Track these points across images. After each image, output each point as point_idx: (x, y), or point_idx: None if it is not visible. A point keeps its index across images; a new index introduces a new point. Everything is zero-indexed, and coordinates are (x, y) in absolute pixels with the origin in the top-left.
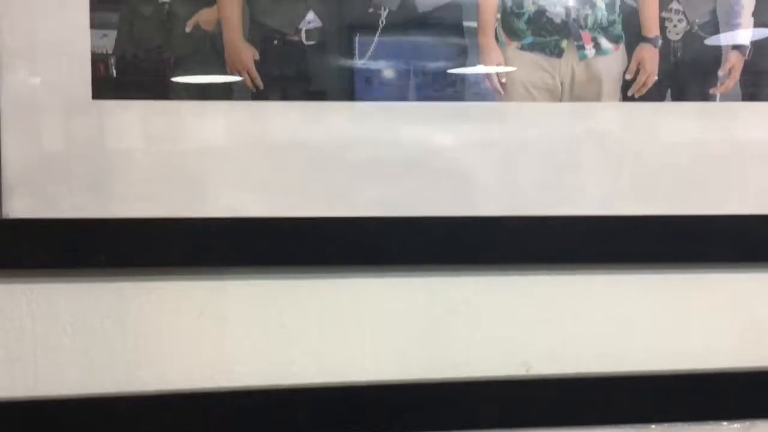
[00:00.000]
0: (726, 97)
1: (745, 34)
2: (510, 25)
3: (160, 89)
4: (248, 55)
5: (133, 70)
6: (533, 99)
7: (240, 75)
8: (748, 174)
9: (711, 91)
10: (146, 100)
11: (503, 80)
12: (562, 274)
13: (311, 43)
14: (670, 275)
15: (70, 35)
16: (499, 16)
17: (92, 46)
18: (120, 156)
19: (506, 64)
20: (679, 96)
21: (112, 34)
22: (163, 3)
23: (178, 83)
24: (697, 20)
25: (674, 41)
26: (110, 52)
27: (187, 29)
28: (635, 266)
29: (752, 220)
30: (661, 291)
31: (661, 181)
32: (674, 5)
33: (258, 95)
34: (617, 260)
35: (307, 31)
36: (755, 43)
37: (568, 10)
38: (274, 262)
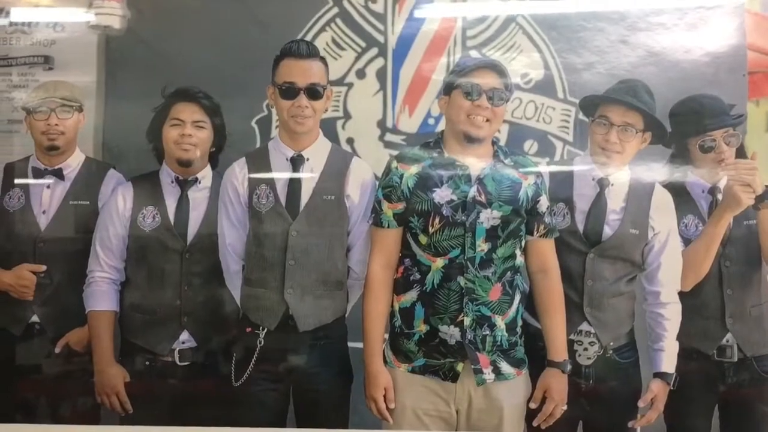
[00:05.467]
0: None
1: (670, 361)
2: (399, 346)
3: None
4: (119, 377)
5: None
6: (426, 428)
7: (108, 399)
8: None
9: (630, 424)
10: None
11: (391, 406)
12: None
13: (185, 363)
14: None
15: None
16: (387, 336)
17: None
18: None
19: (396, 388)
20: (593, 429)
21: None
22: (33, 323)
23: None
24: (611, 343)
25: (585, 366)
26: None
27: (57, 350)
28: None
29: None
30: None
31: None
32: (584, 327)
33: (126, 419)
34: None
35: (180, 352)
36: None
37: (464, 330)
38: None
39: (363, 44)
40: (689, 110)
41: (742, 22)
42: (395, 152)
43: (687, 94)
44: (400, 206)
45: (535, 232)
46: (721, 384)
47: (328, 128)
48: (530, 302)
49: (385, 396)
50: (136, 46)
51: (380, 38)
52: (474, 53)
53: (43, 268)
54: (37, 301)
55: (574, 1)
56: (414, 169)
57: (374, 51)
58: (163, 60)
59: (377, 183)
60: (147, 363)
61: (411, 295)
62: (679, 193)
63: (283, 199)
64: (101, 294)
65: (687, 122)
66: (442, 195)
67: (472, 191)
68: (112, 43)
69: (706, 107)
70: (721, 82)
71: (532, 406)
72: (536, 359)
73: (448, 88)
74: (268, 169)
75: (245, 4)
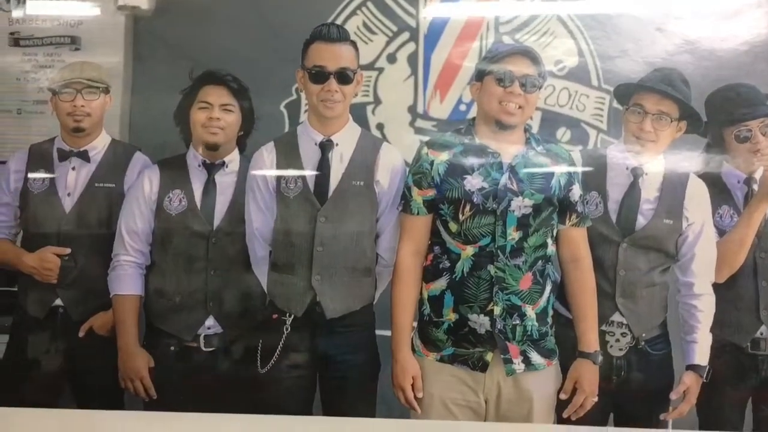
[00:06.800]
0: (680, 424)
1: (703, 353)
2: (428, 334)
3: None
4: (143, 362)
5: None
6: (454, 418)
7: (132, 384)
8: None
9: (662, 417)
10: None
11: (419, 395)
12: None
13: (210, 349)
14: None
15: None
16: (415, 324)
17: None
18: None
19: (424, 377)
20: (624, 421)
21: (4, 339)
22: (57, 306)
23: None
24: (643, 335)
25: (617, 357)
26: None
27: (81, 334)
28: None
29: None
30: None
31: None
32: (616, 317)
33: (150, 404)
34: None
35: (206, 337)
36: None
37: (493, 320)
38: None
39: (394, 28)
40: (725, 99)
41: None
42: (426, 138)
43: (723, 83)
44: (431, 193)
45: (567, 221)
46: (754, 377)
47: (358, 113)
48: (561, 292)
49: (413, 385)
50: (164, 27)
51: (412, 22)
52: (507, 39)
53: (68, 250)
54: (61, 284)
55: None
56: (445, 156)
57: (406, 35)
58: (192, 42)
59: (407, 169)
60: (172, 348)
61: (440, 283)
62: (714, 183)
63: (311, 185)
64: (126, 278)
65: (723, 111)
66: (473, 182)
67: (504, 179)
68: (140, 24)
69: (742, 96)
70: (757, 71)
71: (563, 397)
72: (567, 349)
73: (480, 75)
74: (297, 154)
75: None
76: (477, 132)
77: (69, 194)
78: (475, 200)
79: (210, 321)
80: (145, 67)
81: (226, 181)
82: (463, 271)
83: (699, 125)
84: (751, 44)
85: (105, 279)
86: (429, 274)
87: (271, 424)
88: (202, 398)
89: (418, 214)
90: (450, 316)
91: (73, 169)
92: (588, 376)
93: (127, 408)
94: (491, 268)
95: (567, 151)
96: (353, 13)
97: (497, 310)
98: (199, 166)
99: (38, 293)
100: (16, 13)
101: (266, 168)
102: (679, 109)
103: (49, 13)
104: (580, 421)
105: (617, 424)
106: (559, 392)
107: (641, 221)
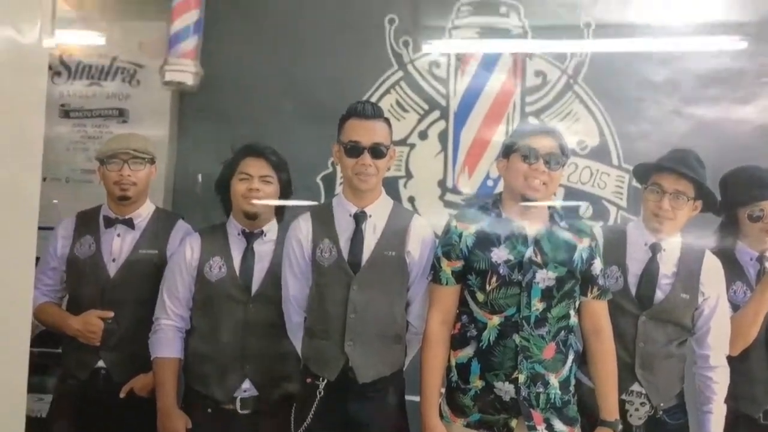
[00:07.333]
0: None
1: (718, 423)
2: (455, 401)
3: None
4: (180, 423)
5: None
6: None
7: None
8: None
9: None
10: None
11: None
12: None
13: (246, 412)
14: None
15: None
16: (443, 390)
17: (27, 409)
18: None
19: None
20: None
21: (48, 398)
22: (99, 368)
23: None
24: (662, 404)
25: (636, 426)
26: (43, 416)
27: (122, 395)
28: None
29: None
30: None
31: None
32: (636, 387)
33: None
34: None
35: (242, 400)
36: None
37: (518, 387)
38: None
39: (426, 107)
40: (739, 180)
41: None
42: (455, 211)
43: (736, 164)
44: (459, 264)
45: (588, 294)
46: None
47: (391, 186)
48: (583, 361)
49: None
50: (208, 102)
51: (442, 102)
52: (532, 119)
53: (111, 314)
54: (104, 347)
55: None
56: (473, 229)
57: (436, 114)
58: (233, 116)
59: (437, 241)
60: (209, 410)
61: (467, 351)
62: (728, 259)
63: (345, 254)
64: (167, 341)
65: (736, 192)
66: (499, 254)
67: (529, 252)
68: (185, 99)
69: (754, 178)
70: None
71: None
72: (589, 417)
73: (506, 152)
74: (332, 225)
75: (316, 64)
76: (503, 206)
77: (114, 260)
78: (501, 272)
79: (246, 384)
80: (188, 139)
81: (264, 249)
82: (489, 339)
83: (714, 204)
84: (762, 128)
85: (146, 342)
86: (457, 342)
87: None
88: None
89: (447, 284)
90: (477, 383)
91: (119, 235)
92: None
93: None
94: (516, 338)
95: (589, 226)
96: (387, 91)
97: (522, 378)
98: (239, 234)
99: (82, 355)
100: (67, 87)
101: (302, 237)
102: (695, 188)
103: (98, 88)
104: None
105: None
106: None
107: (659, 295)
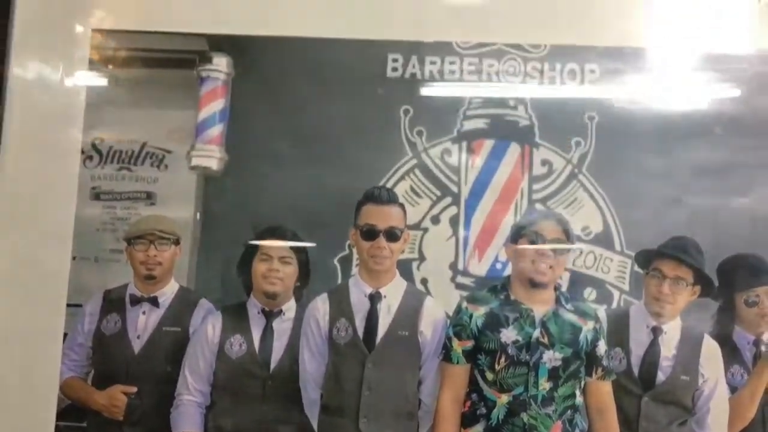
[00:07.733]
0: None
1: None
2: None
3: None
4: None
5: None
6: None
7: None
8: None
9: None
10: None
11: None
12: None
13: None
14: None
15: None
16: None
17: None
18: None
19: None
20: None
21: None
22: None
23: None
24: None
25: None
26: None
27: None
28: None
29: None
30: None
31: None
32: None
33: None
34: None
35: None
36: None
37: None
38: None
39: (438, 193)
40: (735, 267)
41: None
42: (465, 293)
43: (733, 252)
44: (469, 344)
45: (593, 374)
46: None
47: (405, 268)
48: None
49: None
50: (232, 185)
51: (454, 188)
52: (539, 206)
53: (135, 389)
54: (127, 421)
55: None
56: (482, 310)
57: (448, 200)
58: (256, 199)
59: (448, 321)
60: None
61: (477, 429)
62: (726, 343)
63: (361, 333)
64: (188, 416)
65: (733, 278)
66: (508, 335)
67: (536, 333)
68: (210, 183)
69: (751, 265)
70: (765, 242)
71: None
72: None
73: (514, 237)
74: (348, 305)
75: (335, 151)
76: (512, 289)
77: (138, 336)
78: (509, 352)
79: None
80: (212, 220)
81: (283, 327)
82: (498, 417)
83: (712, 290)
84: (759, 219)
85: (168, 417)
86: (467, 419)
87: None
88: None
89: (458, 363)
90: None
91: (144, 313)
92: None
93: None
94: (524, 416)
95: (593, 309)
96: (402, 178)
97: None
98: (259, 313)
99: (106, 429)
100: (98, 171)
101: (320, 317)
102: (693, 274)
103: (128, 172)
104: None
105: None
106: None
107: (661, 377)
